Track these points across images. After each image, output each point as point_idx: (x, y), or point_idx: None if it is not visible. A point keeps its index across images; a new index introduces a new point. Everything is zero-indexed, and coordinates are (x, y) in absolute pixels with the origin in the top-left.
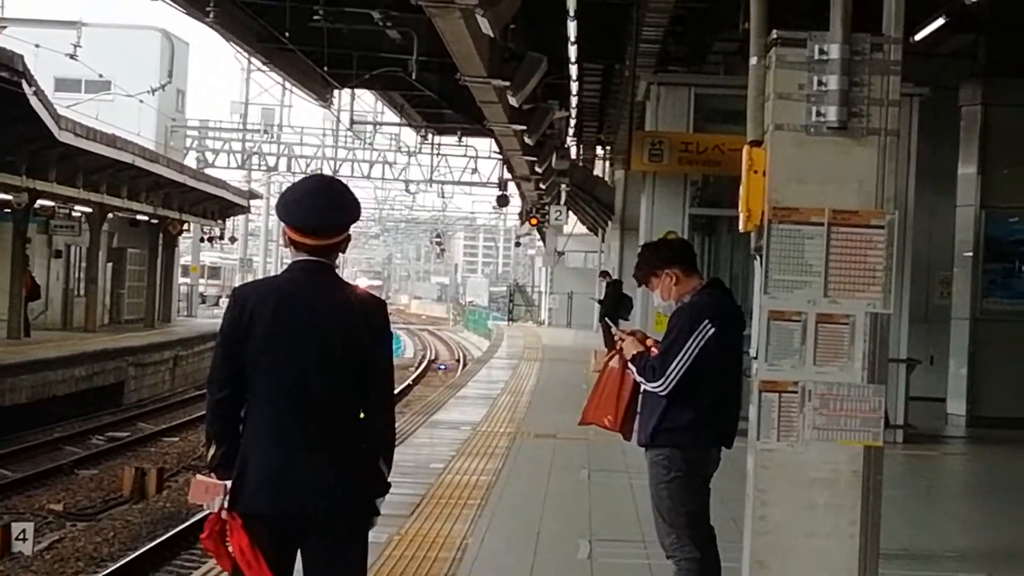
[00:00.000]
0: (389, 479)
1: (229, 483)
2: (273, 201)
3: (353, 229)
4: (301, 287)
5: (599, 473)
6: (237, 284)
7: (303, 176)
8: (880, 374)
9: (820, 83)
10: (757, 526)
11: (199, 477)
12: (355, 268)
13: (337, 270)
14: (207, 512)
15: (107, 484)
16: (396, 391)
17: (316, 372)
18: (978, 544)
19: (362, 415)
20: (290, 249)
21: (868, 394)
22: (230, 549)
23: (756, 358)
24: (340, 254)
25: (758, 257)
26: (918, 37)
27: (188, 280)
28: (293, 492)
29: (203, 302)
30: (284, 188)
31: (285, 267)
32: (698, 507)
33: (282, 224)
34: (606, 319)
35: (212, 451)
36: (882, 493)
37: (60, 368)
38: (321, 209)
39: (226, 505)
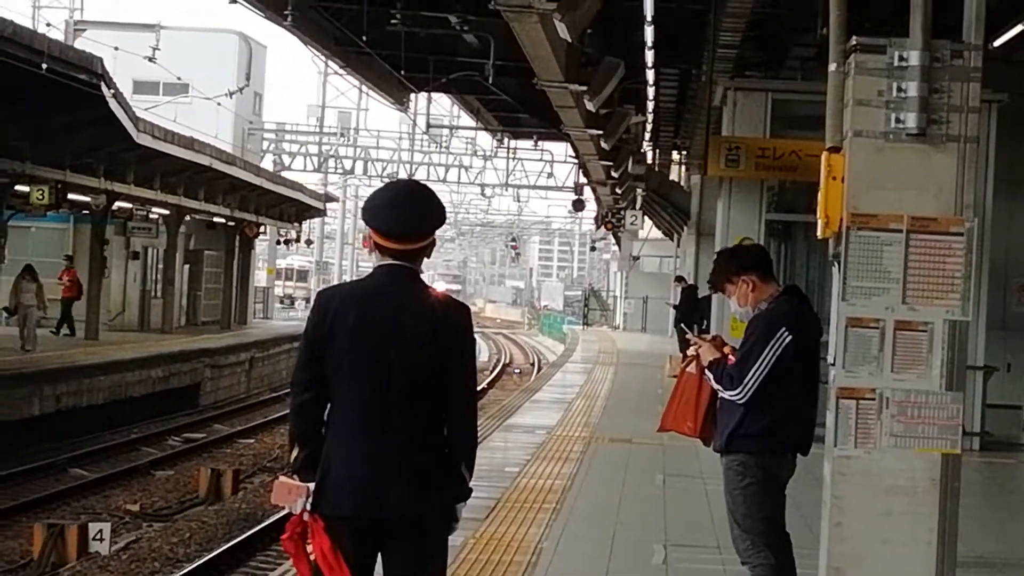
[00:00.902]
0: (470, 484)
1: (311, 485)
2: (349, 205)
3: None
4: (384, 291)
5: (674, 478)
6: (315, 287)
7: (382, 180)
8: (958, 382)
9: (899, 89)
10: (834, 533)
11: (282, 479)
12: (432, 272)
13: (422, 275)
14: (286, 513)
15: (183, 485)
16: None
17: (397, 376)
18: None
19: (444, 421)
20: (375, 254)
21: (946, 401)
22: (310, 552)
23: (834, 365)
24: (425, 259)
25: (836, 263)
26: (997, 43)
27: (265, 282)
28: (373, 495)
29: (292, 304)
30: (364, 192)
31: (374, 270)
32: (773, 513)
33: (368, 228)
34: (681, 325)
35: (295, 453)
36: (959, 501)
37: (137, 369)
38: (406, 214)
39: (308, 507)
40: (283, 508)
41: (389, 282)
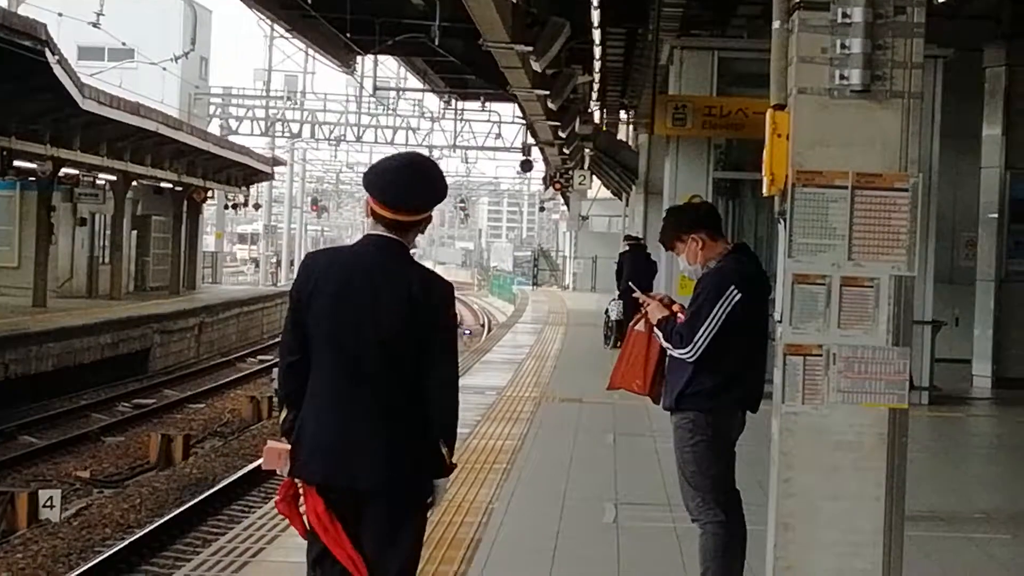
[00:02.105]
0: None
1: None
2: (297, 168)
3: None
4: (367, 260)
5: (624, 437)
6: (264, 251)
7: (329, 143)
8: (904, 336)
9: (843, 46)
10: (782, 489)
11: (271, 443)
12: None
13: (413, 249)
14: (241, 476)
15: (133, 451)
16: None
17: (373, 346)
18: (1003, 505)
19: (423, 395)
20: (369, 220)
21: (893, 356)
22: (303, 513)
23: (781, 322)
24: (419, 234)
25: (782, 221)
26: None
27: (213, 247)
28: (344, 464)
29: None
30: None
31: (363, 237)
32: (723, 470)
33: (366, 194)
34: (629, 283)
35: (283, 415)
36: (907, 455)
37: (85, 336)
38: (405, 185)
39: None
40: (270, 472)
41: (375, 252)
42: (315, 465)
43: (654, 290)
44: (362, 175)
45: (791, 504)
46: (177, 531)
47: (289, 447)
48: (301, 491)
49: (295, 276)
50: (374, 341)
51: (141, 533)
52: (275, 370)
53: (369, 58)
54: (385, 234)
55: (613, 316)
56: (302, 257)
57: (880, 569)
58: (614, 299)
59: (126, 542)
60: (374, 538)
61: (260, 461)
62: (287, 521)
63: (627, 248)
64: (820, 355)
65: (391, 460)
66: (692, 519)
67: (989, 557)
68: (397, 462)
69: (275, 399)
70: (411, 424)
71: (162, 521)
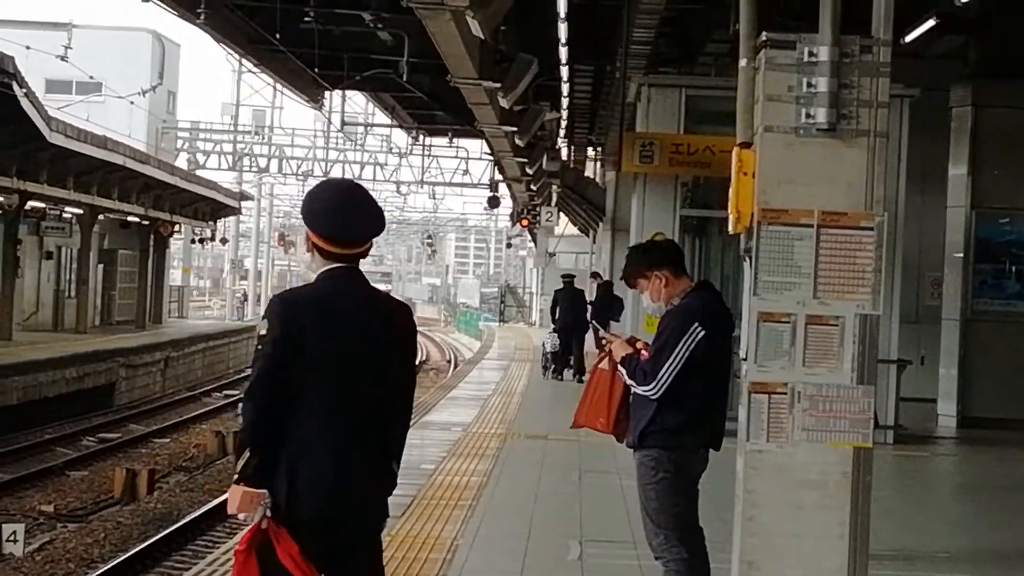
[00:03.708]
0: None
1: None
2: (264, 203)
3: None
4: (349, 299)
5: (590, 474)
6: (231, 286)
7: (297, 177)
8: (869, 375)
9: (809, 85)
10: (746, 527)
11: (241, 487)
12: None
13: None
14: (202, 513)
15: (98, 485)
16: None
17: (373, 382)
18: (967, 545)
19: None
20: (312, 255)
21: (857, 395)
22: (257, 562)
23: (746, 359)
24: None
25: (747, 259)
26: (908, 39)
27: (180, 281)
28: (347, 503)
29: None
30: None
31: (323, 275)
32: (686, 508)
33: (311, 233)
34: (593, 322)
35: (245, 460)
36: (872, 494)
37: (51, 369)
38: (362, 219)
39: (268, 515)
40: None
41: (351, 288)
42: (316, 504)
43: (585, 322)
44: (303, 213)
45: (755, 542)
46: (141, 566)
47: (261, 491)
48: (273, 536)
49: (273, 320)
50: (374, 377)
51: (105, 568)
52: (240, 406)
53: (337, 93)
54: (344, 266)
55: (548, 349)
56: (268, 296)
57: None
58: (550, 332)
59: None
60: (367, 569)
61: (226, 501)
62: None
63: (562, 286)
64: (785, 393)
65: (380, 493)
66: (656, 556)
67: None
68: (383, 494)
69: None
70: (388, 453)
71: (126, 556)
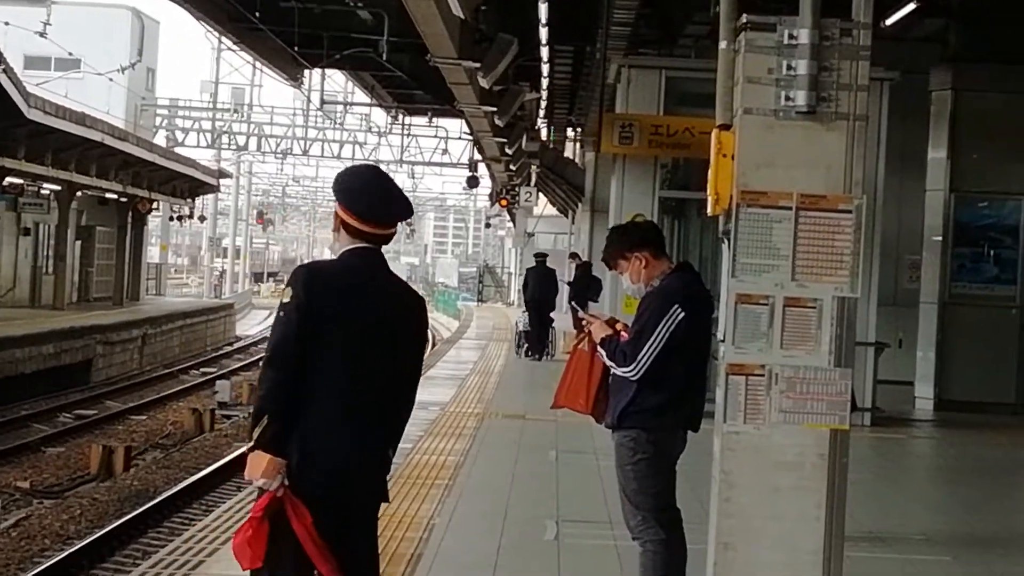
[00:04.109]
0: None
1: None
2: (243, 181)
3: (323, 209)
4: (374, 278)
5: (567, 454)
6: (208, 263)
7: (275, 156)
8: (847, 358)
9: (789, 68)
10: (723, 508)
11: (260, 453)
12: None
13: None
14: (180, 489)
15: (74, 462)
16: None
17: (387, 361)
18: (943, 527)
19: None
20: (339, 235)
21: (835, 377)
22: (267, 530)
23: (723, 341)
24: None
25: (726, 240)
26: (889, 22)
27: (158, 259)
28: (353, 481)
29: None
30: (258, 168)
31: (348, 252)
32: (664, 489)
33: (344, 211)
34: (572, 303)
35: (263, 427)
36: (848, 476)
37: (28, 346)
38: (397, 202)
39: (286, 483)
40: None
41: (376, 268)
42: (324, 479)
43: (554, 301)
44: (337, 192)
45: (731, 523)
46: (117, 543)
47: (280, 459)
48: (289, 505)
49: (297, 287)
50: (388, 360)
51: (80, 544)
52: (219, 383)
53: (317, 72)
54: (370, 246)
55: (520, 328)
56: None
57: None
58: (523, 311)
59: (65, 553)
60: (366, 547)
61: (202, 478)
62: (237, 538)
63: (533, 264)
64: (762, 375)
65: (384, 470)
66: (633, 537)
67: None
68: (386, 471)
69: (240, 412)
70: (391, 440)
71: (102, 533)
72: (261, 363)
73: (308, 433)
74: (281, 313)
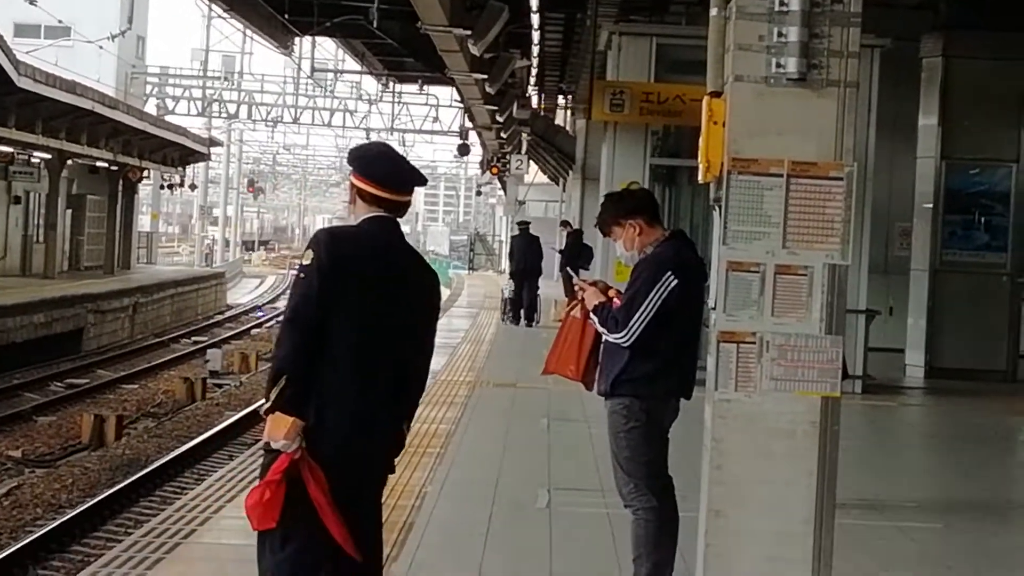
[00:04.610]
0: None
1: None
2: (234, 149)
3: (313, 177)
4: (391, 244)
5: (558, 422)
6: (199, 232)
7: (266, 124)
8: (838, 325)
9: (780, 34)
10: (714, 476)
11: (284, 415)
12: (323, 216)
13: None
14: (180, 455)
15: (66, 431)
16: None
17: (400, 327)
18: (934, 494)
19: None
20: (355, 205)
21: (826, 345)
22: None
23: (715, 309)
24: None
25: (717, 208)
26: None
27: (148, 227)
28: (364, 448)
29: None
30: (249, 136)
31: (366, 220)
32: (656, 456)
33: (361, 178)
34: (567, 269)
35: (280, 388)
36: (840, 443)
37: (18, 314)
38: (407, 168)
39: (304, 445)
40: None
41: (394, 237)
42: (338, 443)
43: (540, 268)
44: (352, 161)
45: (723, 491)
46: (108, 512)
47: (299, 420)
48: (307, 468)
49: (319, 249)
50: (402, 322)
51: (72, 513)
52: (211, 351)
53: (307, 40)
54: (390, 216)
55: (506, 295)
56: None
57: (811, 557)
58: (508, 279)
59: (57, 522)
60: (372, 511)
61: (195, 447)
62: (251, 499)
63: (517, 232)
64: (753, 343)
65: (398, 444)
66: (625, 505)
67: (920, 545)
68: (396, 450)
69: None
70: (406, 413)
71: (94, 502)
72: (280, 323)
73: (324, 396)
74: (302, 275)
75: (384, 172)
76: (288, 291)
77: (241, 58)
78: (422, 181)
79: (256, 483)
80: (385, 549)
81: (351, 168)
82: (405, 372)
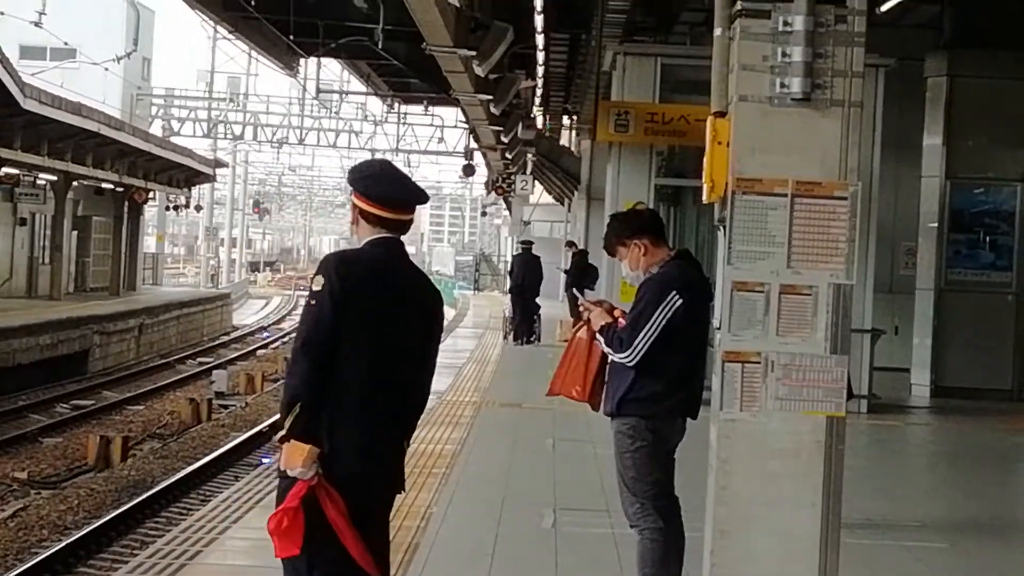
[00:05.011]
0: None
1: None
2: (239, 170)
3: (319, 198)
4: (398, 267)
5: (564, 443)
6: (205, 253)
7: (272, 145)
8: (842, 345)
9: (784, 54)
10: (719, 496)
11: (300, 444)
12: (328, 237)
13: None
14: (176, 480)
15: (72, 452)
16: None
17: (406, 358)
18: (940, 513)
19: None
20: (359, 226)
21: (830, 364)
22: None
23: (720, 328)
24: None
25: (721, 228)
26: (884, 8)
27: (154, 248)
28: (376, 470)
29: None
30: (254, 157)
31: (371, 243)
32: (662, 477)
33: (363, 199)
34: (572, 290)
35: (296, 415)
36: (845, 463)
37: (24, 336)
38: (412, 187)
39: (320, 471)
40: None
41: (400, 259)
42: (351, 466)
43: (539, 288)
44: (353, 182)
45: (728, 511)
46: (114, 533)
47: (315, 448)
48: (325, 494)
49: (329, 275)
50: (409, 344)
51: (78, 535)
52: (216, 372)
53: (312, 60)
54: (394, 236)
55: (508, 314)
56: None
57: None
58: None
59: (63, 543)
60: (382, 534)
61: (201, 468)
62: (271, 525)
63: (519, 251)
64: (758, 362)
65: (402, 462)
66: (631, 525)
67: (925, 565)
68: (402, 463)
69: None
70: (407, 431)
71: (99, 523)
72: (292, 350)
73: (335, 420)
74: (312, 301)
75: (387, 192)
76: (295, 313)
77: (246, 79)
78: (424, 199)
79: (273, 508)
80: (391, 570)
81: (352, 188)
82: (408, 391)
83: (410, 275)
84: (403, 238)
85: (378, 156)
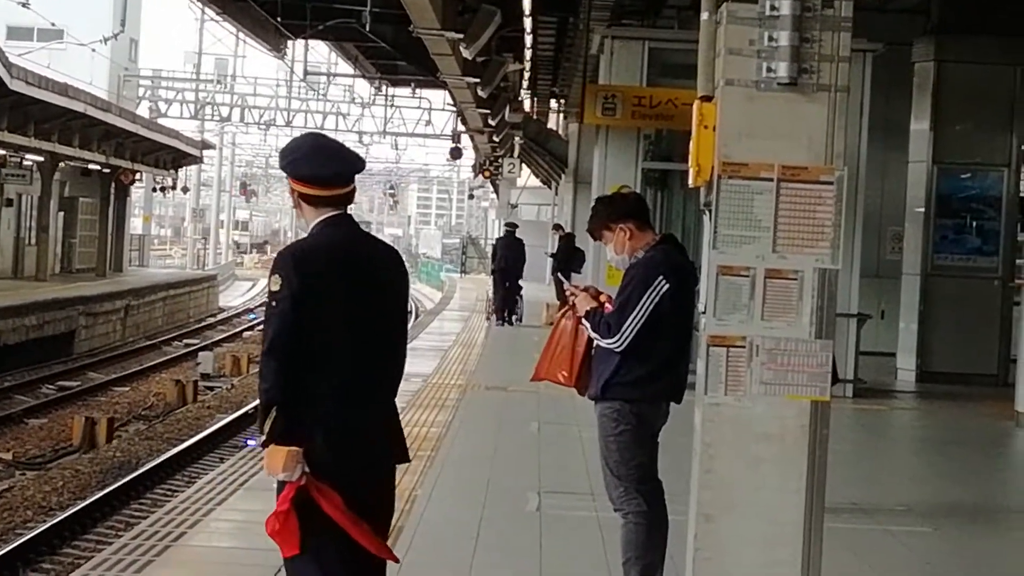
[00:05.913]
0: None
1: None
2: (226, 152)
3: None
4: (354, 244)
5: (549, 426)
6: (192, 235)
7: (259, 127)
8: (828, 329)
9: (771, 39)
10: (704, 480)
11: (280, 448)
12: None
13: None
14: (164, 460)
15: (57, 433)
16: None
17: (385, 332)
18: (925, 498)
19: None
20: (302, 209)
21: (815, 349)
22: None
23: (705, 313)
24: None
25: (707, 212)
26: None
27: (141, 230)
28: (380, 442)
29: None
30: (241, 139)
31: (321, 224)
32: (646, 461)
33: (298, 184)
34: (558, 274)
35: (272, 420)
36: (830, 447)
37: (10, 317)
38: (340, 157)
39: (307, 470)
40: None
41: (354, 235)
42: (351, 455)
43: (521, 270)
44: (284, 166)
45: (712, 495)
46: (99, 514)
47: (298, 449)
48: (315, 491)
49: (288, 274)
50: (384, 318)
51: (63, 516)
52: (202, 354)
53: (300, 43)
54: (341, 213)
55: (490, 295)
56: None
57: (800, 561)
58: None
59: (47, 525)
60: (387, 519)
61: (186, 449)
62: (268, 528)
63: (503, 234)
64: (743, 347)
65: (399, 426)
66: (615, 509)
67: (910, 550)
68: (399, 427)
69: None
70: (395, 387)
71: (84, 504)
72: (261, 355)
73: (329, 411)
74: (274, 303)
75: (320, 170)
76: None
77: (234, 61)
78: (360, 166)
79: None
80: None
81: (285, 173)
82: (389, 363)
83: (367, 249)
84: (391, 222)
85: (368, 141)
